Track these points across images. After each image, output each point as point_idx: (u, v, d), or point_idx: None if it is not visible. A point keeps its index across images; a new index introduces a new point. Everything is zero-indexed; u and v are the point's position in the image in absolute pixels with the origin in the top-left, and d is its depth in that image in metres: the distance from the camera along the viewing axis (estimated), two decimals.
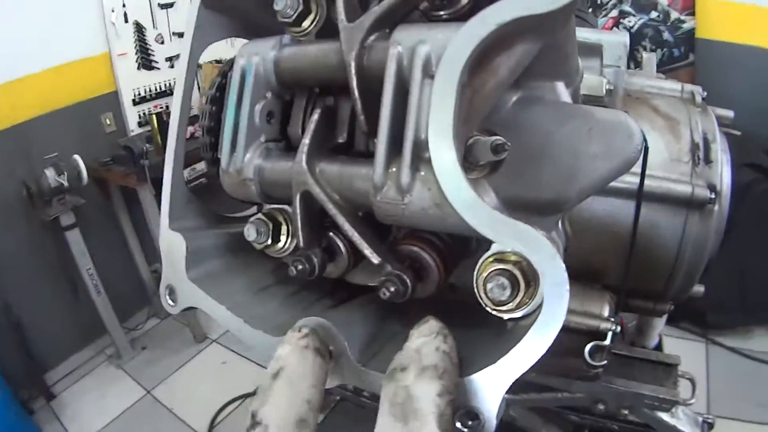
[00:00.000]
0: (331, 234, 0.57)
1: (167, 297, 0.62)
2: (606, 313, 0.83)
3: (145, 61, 4.07)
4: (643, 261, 0.87)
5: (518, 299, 0.43)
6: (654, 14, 4.09)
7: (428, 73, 0.46)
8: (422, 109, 0.45)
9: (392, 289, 0.50)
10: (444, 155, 0.42)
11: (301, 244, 0.56)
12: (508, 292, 0.42)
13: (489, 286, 0.43)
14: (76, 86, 3.73)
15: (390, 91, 0.47)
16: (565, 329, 0.83)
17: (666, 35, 4.07)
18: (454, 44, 0.42)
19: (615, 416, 1.36)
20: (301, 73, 0.58)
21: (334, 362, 0.50)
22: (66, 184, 3.31)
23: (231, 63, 0.62)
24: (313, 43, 0.57)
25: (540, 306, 0.41)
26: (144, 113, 4.10)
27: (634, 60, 3.07)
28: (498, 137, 0.47)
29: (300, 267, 0.55)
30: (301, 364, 0.47)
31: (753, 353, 3.52)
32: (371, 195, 0.49)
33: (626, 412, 1.22)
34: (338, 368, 0.50)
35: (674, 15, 4.05)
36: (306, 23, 0.57)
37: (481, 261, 0.44)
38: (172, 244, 0.62)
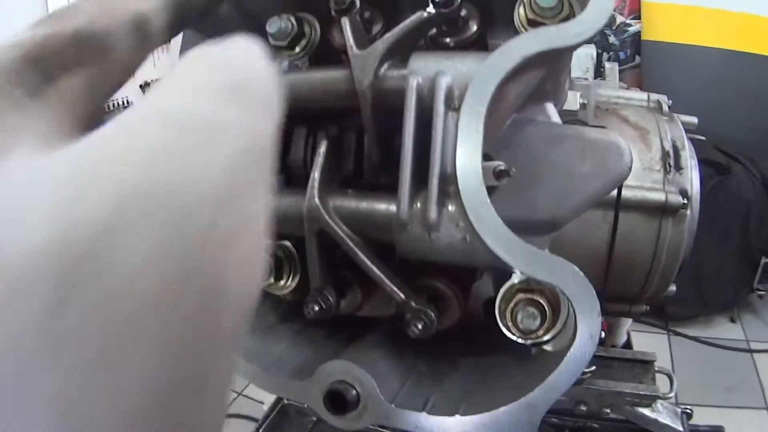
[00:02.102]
0: (343, 271, 0.57)
1: None
2: None
3: None
4: (620, 268, 0.89)
5: (546, 326, 0.44)
6: None
7: (451, 106, 0.46)
8: (447, 143, 0.45)
9: (419, 326, 0.49)
10: (473, 189, 0.43)
11: (318, 283, 0.55)
12: (538, 322, 0.43)
13: (519, 317, 0.44)
14: None
15: (411, 124, 0.47)
16: None
17: (612, 39, 4.17)
18: (480, 76, 0.43)
19: (596, 415, 1.39)
20: (303, 101, 0.56)
21: (362, 403, 0.49)
22: None
23: None
24: (317, 70, 0.56)
25: (563, 329, 0.42)
26: None
27: None
28: (500, 163, 0.48)
29: (317, 308, 0.54)
30: None
31: (715, 341, 3.63)
32: (395, 233, 0.48)
33: (608, 410, 1.26)
34: (365, 410, 0.49)
35: (620, 19, 4.16)
36: (299, 47, 0.56)
37: (503, 291, 0.45)
38: None
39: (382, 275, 0.52)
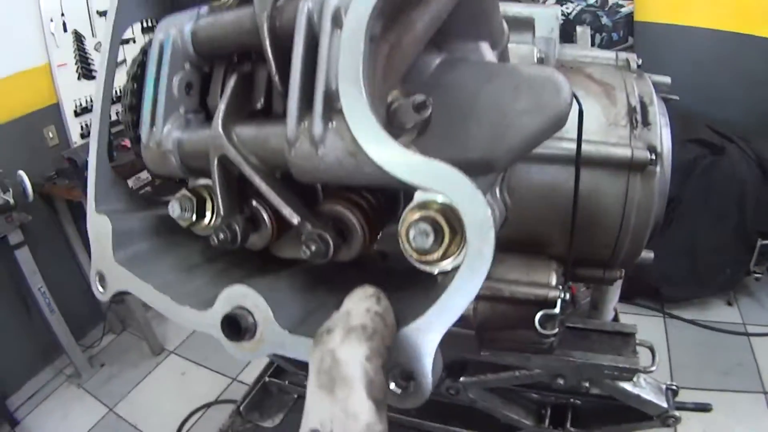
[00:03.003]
0: (254, 202, 0.56)
1: (97, 283, 0.60)
2: (553, 281, 0.82)
3: (85, 71, 3.95)
4: (588, 228, 0.87)
5: (444, 247, 0.41)
6: (592, 0, 4.18)
7: (338, 24, 0.45)
8: (332, 60, 0.44)
9: (313, 247, 0.48)
10: (354, 101, 0.41)
11: (222, 212, 0.55)
12: (431, 239, 0.41)
13: (411, 234, 0.41)
14: (17, 100, 3.60)
15: (301, 45, 0.46)
16: (513, 300, 0.83)
17: (604, 20, 4.15)
18: None
19: (576, 390, 1.37)
20: (217, 41, 0.56)
21: (259, 330, 0.48)
22: (12, 201, 3.19)
23: (151, 40, 0.60)
24: (229, 10, 0.56)
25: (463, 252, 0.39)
26: (86, 124, 3.97)
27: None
28: (419, 95, 0.46)
29: (221, 236, 0.53)
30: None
31: (711, 323, 3.61)
32: (286, 152, 0.47)
33: (587, 384, 1.23)
34: (261, 337, 0.48)
35: (612, 0, 4.14)
36: None
37: (404, 212, 0.42)
38: (99, 227, 0.60)
39: (278, 197, 0.51)
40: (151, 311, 3.86)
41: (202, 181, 0.58)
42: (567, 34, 4.11)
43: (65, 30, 3.80)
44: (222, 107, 0.53)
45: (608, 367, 1.14)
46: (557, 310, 0.82)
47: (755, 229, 3.48)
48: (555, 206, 0.84)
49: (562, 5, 4.21)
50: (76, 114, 3.94)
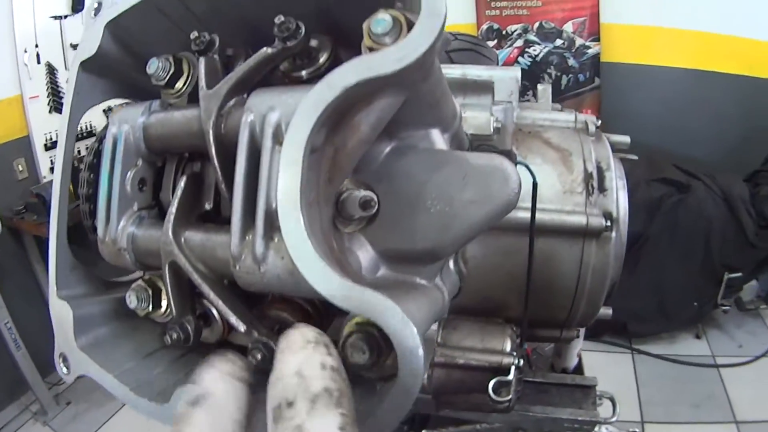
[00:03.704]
0: (204, 301, 0.56)
1: (61, 365, 0.62)
2: (508, 347, 0.83)
3: (57, 104, 3.93)
4: (544, 292, 0.88)
5: (381, 360, 0.42)
6: (559, 42, 4.27)
7: (278, 140, 0.46)
8: (272, 178, 0.46)
9: (258, 356, 0.49)
10: (292, 225, 0.42)
11: (174, 312, 0.55)
12: (367, 356, 0.41)
13: (349, 351, 0.42)
14: None
15: (243, 160, 0.48)
16: (468, 367, 0.84)
17: (571, 61, 4.26)
18: (299, 111, 0.42)
19: None
20: (167, 140, 0.58)
21: None
22: None
23: (106, 129, 0.61)
24: (179, 109, 0.57)
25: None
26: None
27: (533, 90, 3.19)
28: (367, 193, 0.47)
29: (174, 336, 0.54)
30: (227, 394, 0.40)
31: (680, 357, 3.65)
32: (231, 265, 0.48)
33: None
34: None
35: (579, 41, 4.24)
36: (179, 84, 0.58)
37: (344, 324, 0.43)
38: (60, 312, 0.61)
39: (224, 306, 0.52)
40: None
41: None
42: (535, 77, 4.21)
43: (38, 61, 3.79)
44: (172, 212, 0.54)
45: (568, 420, 1.15)
46: (510, 376, 0.82)
47: (722, 263, 3.55)
48: (510, 273, 0.85)
49: (529, 48, 4.30)
50: (47, 148, 3.91)
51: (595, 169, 0.91)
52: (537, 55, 4.27)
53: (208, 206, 0.57)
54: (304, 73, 0.52)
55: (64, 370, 0.62)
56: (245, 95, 0.52)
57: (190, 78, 0.58)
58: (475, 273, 0.82)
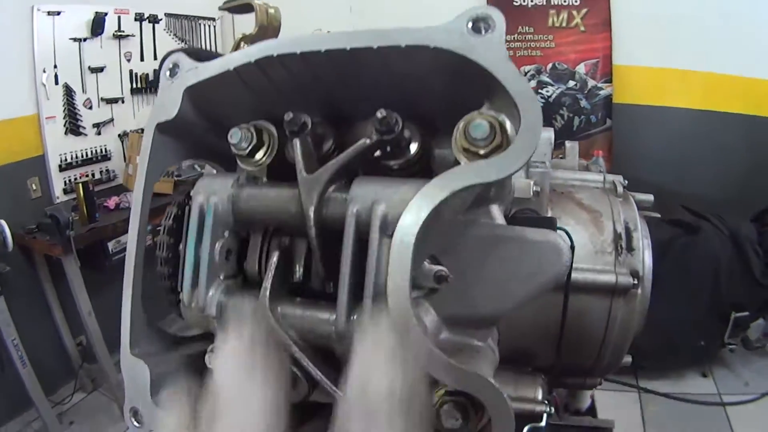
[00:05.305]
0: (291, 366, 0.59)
1: (132, 419, 0.64)
2: (539, 396, 0.87)
3: (73, 126, 3.97)
4: (573, 345, 0.92)
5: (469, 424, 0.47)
6: (571, 83, 4.31)
7: (386, 233, 0.50)
8: (380, 267, 0.49)
9: None
10: (401, 313, 0.46)
11: None
12: (459, 422, 0.46)
13: (444, 417, 0.46)
14: (3, 148, 3.59)
15: (349, 248, 0.51)
16: None
17: (583, 103, 4.28)
18: (411, 209, 0.46)
19: None
20: (258, 215, 0.61)
21: None
22: None
23: (186, 194, 0.64)
24: (272, 187, 0.60)
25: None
26: (70, 180, 3.97)
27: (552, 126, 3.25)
28: (441, 268, 0.52)
29: None
30: None
31: (686, 395, 3.64)
32: (334, 341, 0.52)
33: None
34: None
35: (591, 83, 4.28)
36: (259, 155, 0.60)
37: (434, 395, 0.48)
38: (134, 369, 0.63)
39: (323, 376, 0.55)
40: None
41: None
42: (547, 118, 4.24)
43: (56, 82, 3.83)
44: (267, 286, 0.57)
45: None
46: (543, 423, 0.87)
47: (729, 302, 3.56)
48: (542, 327, 0.90)
49: (542, 89, 4.35)
50: (61, 169, 3.94)
51: (623, 230, 0.96)
52: (550, 96, 4.31)
53: (296, 278, 0.60)
54: (393, 162, 0.56)
55: (136, 423, 0.64)
56: (344, 181, 0.55)
57: (269, 150, 0.61)
58: (511, 325, 0.87)
